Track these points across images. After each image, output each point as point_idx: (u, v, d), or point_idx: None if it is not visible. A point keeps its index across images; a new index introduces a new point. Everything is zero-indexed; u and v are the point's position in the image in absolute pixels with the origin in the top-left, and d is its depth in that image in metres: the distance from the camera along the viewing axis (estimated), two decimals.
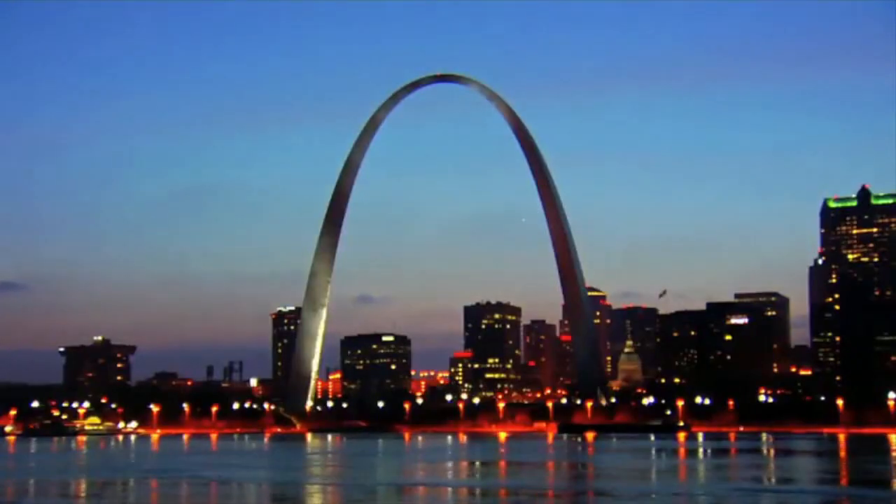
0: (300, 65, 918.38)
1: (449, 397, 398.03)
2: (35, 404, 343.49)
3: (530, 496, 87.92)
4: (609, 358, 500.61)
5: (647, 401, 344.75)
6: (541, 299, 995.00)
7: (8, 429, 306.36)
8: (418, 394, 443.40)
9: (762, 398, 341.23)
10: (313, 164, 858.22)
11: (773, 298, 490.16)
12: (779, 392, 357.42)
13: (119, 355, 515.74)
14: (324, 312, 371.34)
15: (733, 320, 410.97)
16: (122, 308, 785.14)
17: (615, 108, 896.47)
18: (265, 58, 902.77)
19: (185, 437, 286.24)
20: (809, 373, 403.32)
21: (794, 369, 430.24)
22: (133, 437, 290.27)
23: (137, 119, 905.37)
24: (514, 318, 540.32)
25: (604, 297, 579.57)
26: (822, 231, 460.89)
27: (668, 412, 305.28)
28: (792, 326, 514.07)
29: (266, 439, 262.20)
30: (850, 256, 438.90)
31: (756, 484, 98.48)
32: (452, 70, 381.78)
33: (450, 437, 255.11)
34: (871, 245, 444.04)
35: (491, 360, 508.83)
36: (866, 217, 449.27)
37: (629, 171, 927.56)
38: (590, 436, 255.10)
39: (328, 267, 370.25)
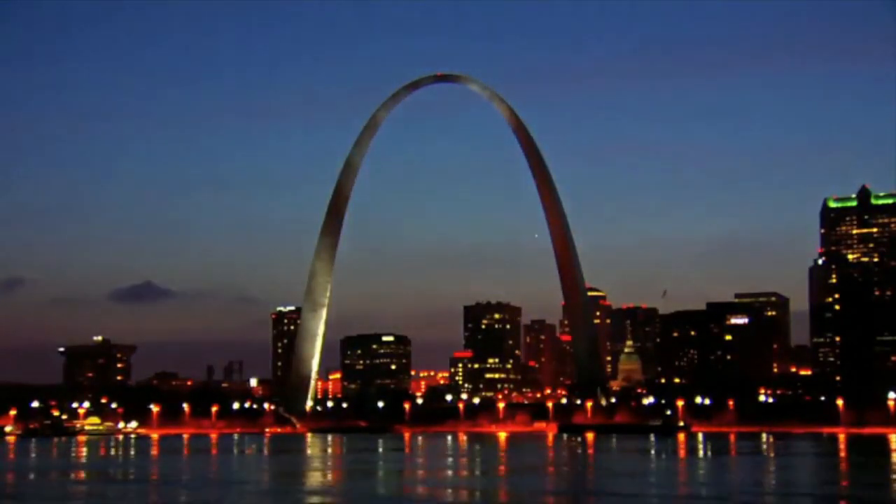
0: (300, 65, 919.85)
1: (449, 397, 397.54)
2: (35, 404, 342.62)
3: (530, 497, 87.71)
4: (609, 358, 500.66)
5: (647, 401, 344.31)
6: (541, 299, 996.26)
7: (8, 429, 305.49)
8: (418, 394, 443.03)
9: (762, 398, 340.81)
10: (313, 164, 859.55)
11: (773, 298, 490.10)
12: (779, 392, 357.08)
13: (119, 355, 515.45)
14: (324, 312, 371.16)
15: (733, 320, 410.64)
16: (122, 307, 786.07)
17: (615, 107, 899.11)
18: (265, 58, 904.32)
19: (184, 437, 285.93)
20: (809, 373, 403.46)
21: (794, 369, 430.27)
22: (133, 437, 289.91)
23: (139, 119, 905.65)
24: (514, 318, 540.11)
25: (604, 297, 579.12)
26: (822, 231, 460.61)
27: (668, 412, 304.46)
28: (792, 326, 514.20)
29: (266, 439, 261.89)
30: (850, 256, 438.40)
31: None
32: (452, 70, 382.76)
33: (450, 437, 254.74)
34: (871, 245, 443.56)
35: (491, 360, 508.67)
36: (866, 217, 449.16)
37: (629, 171, 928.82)
38: (590, 436, 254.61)
39: (328, 267, 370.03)
